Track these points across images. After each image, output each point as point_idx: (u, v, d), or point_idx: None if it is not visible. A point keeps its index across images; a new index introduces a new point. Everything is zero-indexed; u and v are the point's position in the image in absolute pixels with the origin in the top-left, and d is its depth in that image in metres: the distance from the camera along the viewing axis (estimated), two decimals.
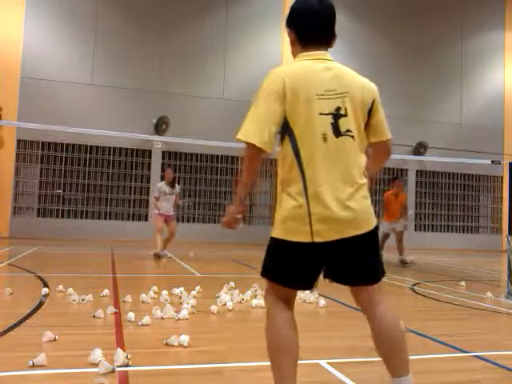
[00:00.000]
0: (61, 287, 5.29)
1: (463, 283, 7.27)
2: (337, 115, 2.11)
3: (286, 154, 2.12)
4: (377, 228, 2.19)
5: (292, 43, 2.30)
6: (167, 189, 9.85)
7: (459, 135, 18.76)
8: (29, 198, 14.95)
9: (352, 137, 2.13)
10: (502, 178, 18.93)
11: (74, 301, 4.75)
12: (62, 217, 15.10)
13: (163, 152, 15.91)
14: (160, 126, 15.50)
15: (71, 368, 2.83)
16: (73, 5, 15.31)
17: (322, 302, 5.15)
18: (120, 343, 3.37)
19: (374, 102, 2.23)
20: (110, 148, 15.50)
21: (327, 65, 2.18)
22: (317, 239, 2.05)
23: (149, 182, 15.80)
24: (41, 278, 6.20)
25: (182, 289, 5.37)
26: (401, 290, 6.63)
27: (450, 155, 16.99)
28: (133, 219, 15.65)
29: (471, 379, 2.92)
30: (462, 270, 10.13)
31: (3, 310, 4.40)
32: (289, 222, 2.10)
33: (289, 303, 2.29)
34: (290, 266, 2.14)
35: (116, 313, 4.29)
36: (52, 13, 15.15)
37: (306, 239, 2.06)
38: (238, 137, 2.09)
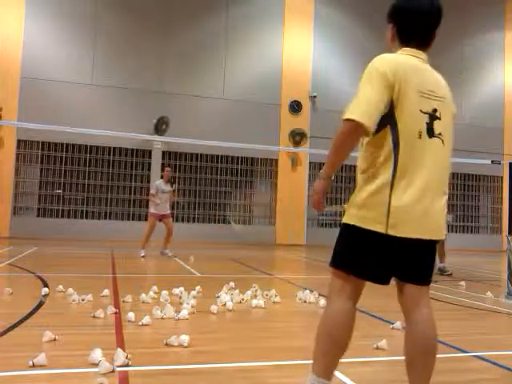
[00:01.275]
0: (61, 287, 5.29)
1: (463, 283, 7.28)
2: (433, 116, 2.12)
3: (383, 143, 2.09)
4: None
5: (391, 38, 2.29)
6: (165, 187, 9.91)
7: (459, 135, 18.69)
8: (29, 198, 14.95)
9: (442, 141, 2.15)
10: (501, 178, 18.93)
11: (73, 301, 4.75)
12: (62, 217, 15.10)
13: (163, 152, 15.91)
14: (160, 126, 15.50)
15: (71, 368, 2.82)
16: (73, 5, 15.31)
17: (323, 301, 5.15)
18: (120, 343, 3.37)
19: (453, 109, 2.29)
20: (110, 148, 15.50)
21: (428, 66, 2.21)
22: (391, 232, 2.06)
23: (149, 182, 15.79)
24: (41, 278, 6.20)
25: (181, 289, 5.37)
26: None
27: None
28: (133, 219, 15.65)
29: (471, 379, 2.92)
30: (461, 270, 10.13)
31: (3, 310, 4.39)
32: (365, 209, 2.10)
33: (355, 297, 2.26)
34: (365, 256, 2.14)
35: (116, 313, 4.29)
36: (52, 13, 15.14)
37: (381, 230, 2.07)
38: (345, 117, 2.01)
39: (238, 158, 16.62)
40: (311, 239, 16.68)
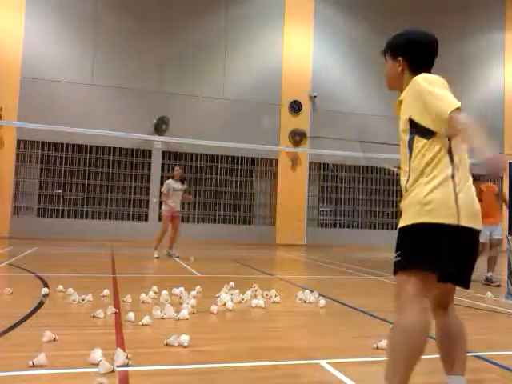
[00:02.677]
0: (61, 287, 5.29)
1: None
2: None
3: (438, 142, 2.25)
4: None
5: (400, 71, 2.51)
6: (176, 185, 9.96)
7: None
8: (29, 198, 14.95)
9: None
10: (501, 178, 18.92)
11: (74, 301, 4.75)
12: (62, 217, 15.10)
13: (163, 152, 15.91)
14: (160, 126, 15.50)
15: (71, 368, 2.82)
16: (73, 5, 15.31)
17: (322, 301, 5.15)
18: (120, 343, 3.37)
19: None
20: (110, 148, 15.50)
21: None
22: (463, 222, 2.17)
23: (149, 181, 15.81)
24: (41, 278, 6.20)
25: (182, 289, 5.37)
26: None
27: None
28: (133, 219, 15.65)
29: (471, 379, 2.92)
30: None
31: (3, 310, 4.39)
32: (432, 204, 2.18)
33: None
34: (439, 252, 2.18)
35: (116, 313, 4.29)
36: (52, 13, 15.14)
37: (453, 221, 2.16)
38: (449, 112, 2.14)
39: (237, 158, 16.63)
40: (311, 239, 16.68)
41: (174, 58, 16.07)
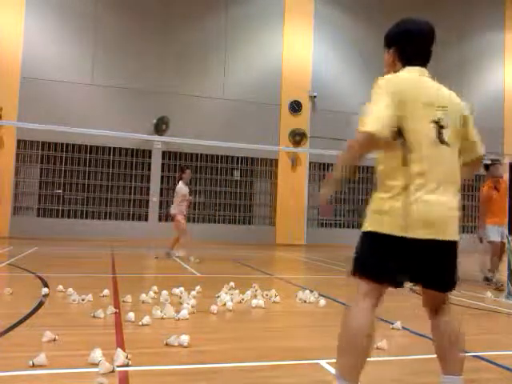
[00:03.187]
0: (61, 287, 5.29)
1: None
2: (439, 125, 2.29)
3: (394, 152, 2.25)
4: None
5: (391, 62, 2.46)
6: (187, 189, 9.85)
7: None
8: (29, 198, 14.94)
9: (449, 146, 2.31)
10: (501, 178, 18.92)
11: (73, 301, 4.75)
12: (62, 217, 15.10)
13: (163, 152, 15.91)
14: (160, 126, 15.50)
15: (71, 368, 2.83)
16: (73, 5, 15.31)
17: (322, 301, 5.15)
18: (120, 343, 3.37)
19: (463, 117, 2.43)
20: (110, 148, 15.50)
21: (430, 80, 2.41)
22: (410, 235, 2.15)
23: (149, 181, 15.81)
24: (41, 278, 6.20)
25: (182, 289, 5.37)
26: (400, 290, 6.62)
27: None
28: (133, 219, 15.65)
29: (471, 379, 2.92)
30: (461, 269, 10.12)
31: (3, 310, 4.39)
32: (384, 215, 2.22)
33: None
34: (385, 261, 2.23)
35: (116, 313, 4.29)
36: (52, 13, 15.14)
37: (399, 233, 2.17)
38: (360, 129, 2.18)
39: (237, 158, 16.63)
40: (311, 239, 16.68)
41: (173, 58, 16.07)
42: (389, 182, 2.24)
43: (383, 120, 2.15)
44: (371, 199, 2.33)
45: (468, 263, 11.98)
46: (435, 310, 2.41)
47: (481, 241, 7.56)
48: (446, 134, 2.29)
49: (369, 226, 2.27)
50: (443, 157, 2.26)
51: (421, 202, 2.17)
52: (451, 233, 2.25)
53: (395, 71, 2.42)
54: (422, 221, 2.16)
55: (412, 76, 2.35)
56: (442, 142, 2.27)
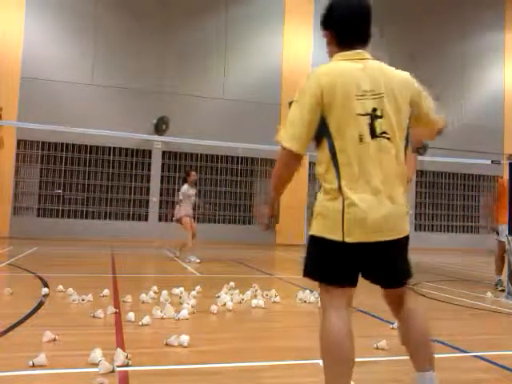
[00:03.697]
0: (61, 287, 5.29)
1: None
2: (373, 116, 2.11)
3: (323, 154, 2.14)
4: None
5: (329, 43, 2.32)
6: (192, 191, 9.86)
7: (459, 135, 18.76)
8: (29, 198, 14.94)
9: (388, 139, 2.13)
10: (501, 178, 18.92)
11: (73, 301, 4.75)
12: (62, 217, 15.09)
13: (163, 152, 15.91)
14: (160, 126, 15.49)
15: (71, 368, 2.82)
16: (73, 5, 15.30)
17: None
18: (120, 343, 3.37)
19: (412, 94, 2.25)
20: (110, 148, 15.50)
21: (364, 64, 2.19)
22: (347, 239, 2.05)
23: (149, 181, 15.81)
24: (41, 278, 6.20)
25: (182, 289, 5.37)
26: None
27: (450, 155, 16.99)
28: (133, 219, 15.65)
29: (471, 379, 2.92)
30: (461, 269, 10.13)
31: (3, 310, 4.39)
32: (321, 218, 2.13)
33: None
34: (329, 264, 2.14)
35: (116, 313, 4.29)
36: (52, 13, 15.14)
37: (338, 238, 2.07)
38: (277, 138, 2.14)
39: (238, 158, 16.63)
40: None
41: (173, 58, 16.07)
42: (325, 184, 2.14)
43: (300, 129, 2.08)
44: (316, 201, 2.21)
45: (468, 263, 11.98)
46: (397, 307, 2.30)
47: (497, 233, 7.31)
48: (384, 125, 2.12)
49: (313, 229, 2.18)
50: (378, 152, 2.10)
51: (356, 205, 2.04)
52: (393, 231, 2.11)
53: (334, 52, 2.28)
54: (358, 224, 2.04)
55: (339, 65, 2.18)
56: (375, 135, 2.10)
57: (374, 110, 2.11)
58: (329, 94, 2.08)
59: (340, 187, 2.07)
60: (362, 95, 2.10)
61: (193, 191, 9.90)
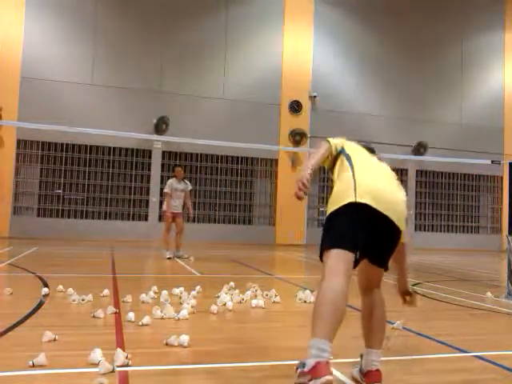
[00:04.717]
0: (61, 287, 5.28)
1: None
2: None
3: (342, 163, 2.74)
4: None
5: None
6: (178, 185, 9.83)
7: (459, 135, 18.76)
8: (29, 198, 14.95)
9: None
10: (501, 177, 18.93)
11: (73, 301, 4.75)
12: (62, 217, 15.10)
13: (163, 152, 15.92)
14: (160, 126, 15.50)
15: (71, 368, 2.82)
16: (73, 5, 15.32)
17: None
18: (120, 343, 3.37)
19: None
20: (110, 148, 15.51)
21: None
22: (360, 200, 2.47)
23: (149, 181, 15.81)
24: (41, 278, 6.20)
25: (181, 289, 5.37)
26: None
27: (450, 155, 17.00)
28: (133, 219, 15.65)
29: (471, 379, 2.92)
30: (461, 269, 10.13)
31: (3, 310, 4.39)
32: (336, 194, 2.58)
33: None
34: (340, 225, 2.55)
35: (116, 313, 4.29)
36: (52, 13, 15.15)
37: (351, 199, 2.48)
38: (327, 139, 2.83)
39: (237, 158, 16.63)
40: (311, 239, 16.67)
41: (173, 58, 16.08)
42: (338, 181, 2.70)
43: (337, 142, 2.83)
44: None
45: (468, 263, 11.98)
46: (370, 289, 2.73)
47: None
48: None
49: (329, 210, 2.57)
50: (379, 165, 2.84)
51: (364, 180, 2.55)
52: (394, 214, 2.51)
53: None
54: (368, 191, 2.49)
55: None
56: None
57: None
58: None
59: (353, 175, 2.59)
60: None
61: (181, 186, 9.85)
